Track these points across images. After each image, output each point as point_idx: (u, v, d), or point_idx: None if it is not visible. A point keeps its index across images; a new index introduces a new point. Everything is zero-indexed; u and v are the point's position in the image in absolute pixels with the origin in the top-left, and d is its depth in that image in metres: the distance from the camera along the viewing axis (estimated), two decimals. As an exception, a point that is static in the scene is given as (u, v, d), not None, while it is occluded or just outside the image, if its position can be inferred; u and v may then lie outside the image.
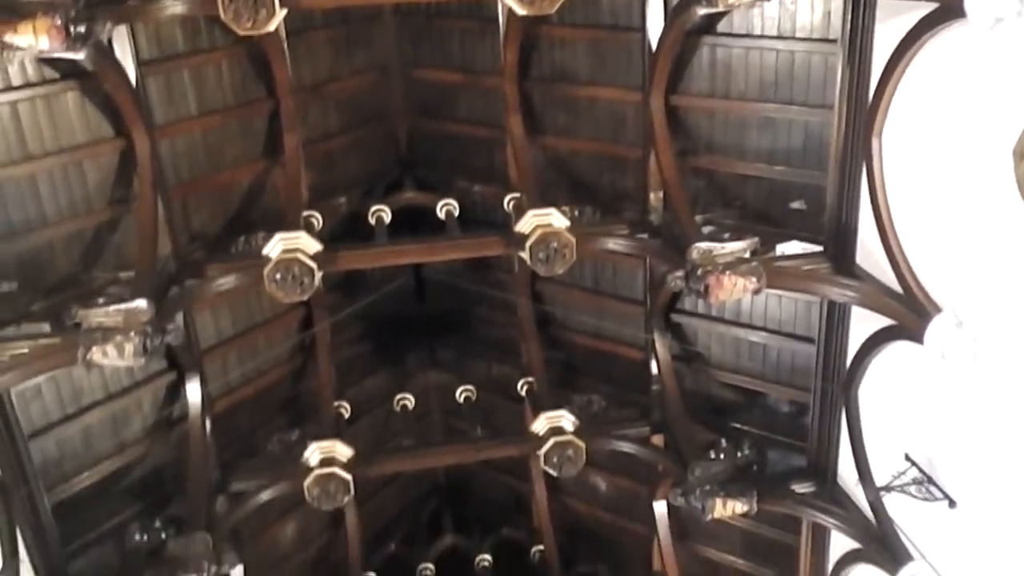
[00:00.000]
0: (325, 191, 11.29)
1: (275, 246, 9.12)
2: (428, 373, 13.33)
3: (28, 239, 8.83)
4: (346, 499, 10.71)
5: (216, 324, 10.99)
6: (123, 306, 8.04)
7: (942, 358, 7.53)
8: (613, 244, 10.06)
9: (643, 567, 12.60)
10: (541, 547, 13.06)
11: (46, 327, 8.46)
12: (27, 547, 9.06)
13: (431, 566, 13.56)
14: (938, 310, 7.59)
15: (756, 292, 8.68)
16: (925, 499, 8.20)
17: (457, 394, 12.78)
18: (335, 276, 11.46)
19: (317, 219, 10.39)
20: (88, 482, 9.97)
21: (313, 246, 9.26)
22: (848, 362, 9.44)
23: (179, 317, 9.46)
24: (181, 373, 10.40)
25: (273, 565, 12.50)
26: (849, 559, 10.25)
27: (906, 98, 7.54)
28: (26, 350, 8.16)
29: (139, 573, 9.61)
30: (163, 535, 9.85)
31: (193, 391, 10.39)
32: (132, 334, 7.97)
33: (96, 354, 7.98)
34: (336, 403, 11.63)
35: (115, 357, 8.01)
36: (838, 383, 9.65)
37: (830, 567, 10.74)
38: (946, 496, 8.03)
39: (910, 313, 7.85)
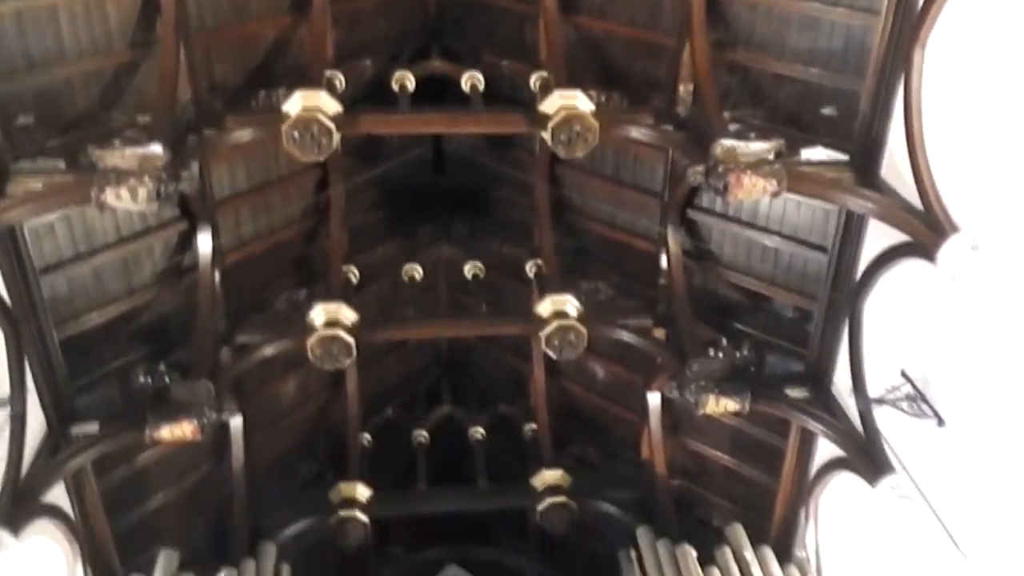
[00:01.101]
0: (350, 52, 11.06)
1: (295, 103, 8.99)
2: (439, 246, 13.34)
3: (47, 73, 8.69)
4: (348, 362, 10.90)
5: (231, 177, 10.96)
6: (139, 150, 8.00)
7: (952, 280, 7.50)
8: (636, 133, 9.89)
9: (631, 454, 12.89)
10: (534, 426, 13.34)
11: (61, 164, 8.45)
12: (35, 379, 9.30)
13: (426, 434, 13.90)
14: (955, 230, 7.53)
15: (775, 195, 8.60)
16: (915, 415, 8.31)
17: (465, 270, 12.83)
18: (354, 140, 11.39)
19: (340, 80, 10.19)
20: (96, 322, 10.15)
21: (333, 106, 9.12)
22: (858, 275, 9.43)
23: (194, 166, 9.38)
24: (193, 223, 10.43)
25: (273, 419, 12.84)
26: (832, 466, 10.46)
27: (955, 13, 7.28)
28: (40, 185, 8.18)
29: (142, 413, 9.89)
30: (167, 379, 10.08)
31: (204, 242, 10.44)
32: (146, 178, 7.96)
33: (109, 196, 7.98)
34: (345, 267, 11.71)
35: (128, 200, 8.01)
36: (846, 294, 9.66)
37: (813, 472, 10.99)
38: (936, 415, 8.13)
39: (927, 231, 7.78)
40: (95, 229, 9.75)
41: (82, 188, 8.08)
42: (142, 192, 7.98)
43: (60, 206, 8.70)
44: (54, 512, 9.75)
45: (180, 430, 9.82)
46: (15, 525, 8.64)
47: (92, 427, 9.98)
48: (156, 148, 8.02)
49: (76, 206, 8.87)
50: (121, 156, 7.98)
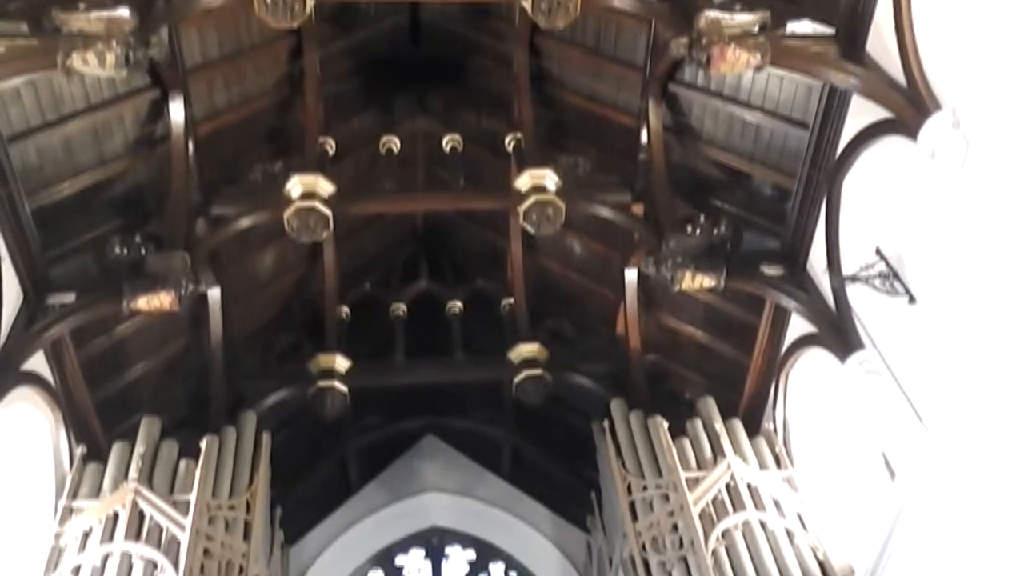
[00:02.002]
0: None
1: (265, -35, 8.66)
2: (416, 119, 13.12)
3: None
4: (325, 234, 10.85)
5: (202, 44, 10.62)
6: (105, 13, 7.75)
7: (932, 157, 7.49)
8: (619, 2, 9.60)
9: (607, 329, 13.07)
10: (511, 300, 13.44)
11: (24, 27, 8.14)
12: (8, 248, 9.23)
13: (403, 307, 13.98)
14: (938, 107, 7.48)
15: (759, 69, 8.49)
16: (887, 292, 8.43)
17: (443, 143, 12.64)
18: (329, 7, 11.05)
19: (313, -58, 9.80)
20: (68, 192, 10.01)
21: (305, -30, 8.80)
22: (838, 152, 9.41)
23: (163, 31, 9.13)
24: (165, 91, 10.17)
25: (250, 292, 12.86)
26: (804, 342, 10.68)
27: None
28: (2, 49, 7.92)
29: (118, 284, 9.87)
30: (142, 251, 10.01)
31: (176, 110, 10.22)
32: (114, 43, 7.74)
33: (76, 60, 7.77)
34: (321, 139, 11.51)
35: (96, 66, 7.81)
36: (825, 171, 9.66)
37: (784, 348, 11.22)
38: (908, 292, 8.26)
39: (909, 107, 7.73)
40: (63, 96, 9.48)
41: (48, 53, 7.85)
42: (110, 57, 7.77)
43: (26, 71, 8.44)
44: (35, 380, 9.85)
45: (157, 301, 9.84)
46: (-4, 392, 8.76)
47: (68, 297, 9.98)
48: (123, 11, 7.77)
49: (42, 71, 8.61)
50: (87, 20, 7.74)
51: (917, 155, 7.70)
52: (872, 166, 8.97)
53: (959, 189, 7.48)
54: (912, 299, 8.21)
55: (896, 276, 8.37)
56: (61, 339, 10.25)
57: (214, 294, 11.30)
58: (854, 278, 8.80)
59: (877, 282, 8.48)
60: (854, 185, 9.35)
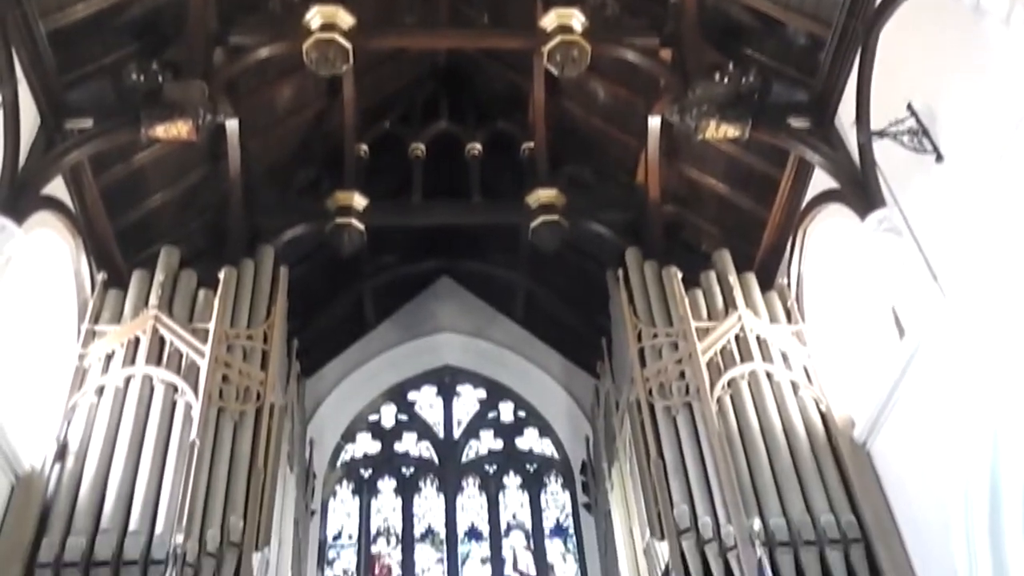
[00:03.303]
0: None
1: None
2: (440, -49, 12.64)
3: None
4: (344, 68, 10.65)
5: None
6: None
7: (975, 11, 7.20)
8: None
9: (626, 177, 12.95)
10: (531, 144, 13.25)
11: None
12: (24, 71, 9.12)
13: (422, 147, 13.82)
14: (986, -43, 7.13)
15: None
16: (915, 150, 8.27)
17: (468, -24, 12.23)
18: None
19: None
20: (83, 13, 9.73)
21: None
22: (877, 1, 9.04)
23: None
24: (183, -88, 9.82)
25: (268, 125, 12.73)
26: (824, 198, 10.57)
27: None
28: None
29: (135, 112, 9.79)
30: (160, 78, 9.88)
31: (194, -68, 9.88)
32: None
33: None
34: (342, -32, 11.13)
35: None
36: (863, 20, 9.30)
37: (804, 203, 11.12)
38: (936, 150, 8.10)
39: (956, -44, 7.37)
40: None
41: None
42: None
43: None
44: (55, 205, 9.93)
45: (175, 129, 9.79)
46: (17, 215, 8.84)
47: (86, 122, 9.93)
48: None
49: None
50: None
51: (960, 7, 7.38)
52: (911, 18, 8.61)
53: (1001, 45, 7.21)
54: (939, 157, 8.06)
55: (925, 133, 8.19)
56: (80, 165, 10.25)
57: (232, 125, 11.20)
58: (882, 133, 8.61)
59: (905, 138, 8.30)
60: (890, 37, 9.01)
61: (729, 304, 11.29)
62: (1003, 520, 7.90)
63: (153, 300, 10.62)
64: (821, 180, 10.55)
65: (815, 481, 9.84)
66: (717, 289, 11.55)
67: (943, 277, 8.12)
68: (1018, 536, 7.84)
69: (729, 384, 10.54)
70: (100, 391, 9.93)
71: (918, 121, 8.28)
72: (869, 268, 9.82)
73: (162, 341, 10.36)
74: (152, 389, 9.97)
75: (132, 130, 9.89)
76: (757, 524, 9.14)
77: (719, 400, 10.36)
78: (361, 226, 12.24)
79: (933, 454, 8.58)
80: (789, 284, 11.58)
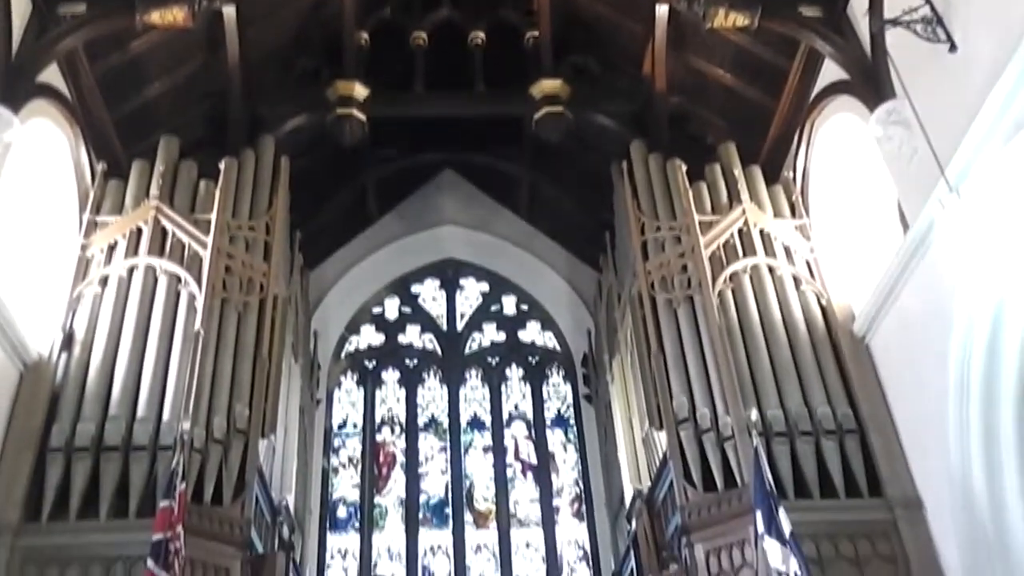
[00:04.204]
0: None
1: None
2: None
3: None
4: (343, -49, 10.36)
5: None
6: None
7: None
8: None
9: (632, 68, 12.68)
10: (535, 33, 12.92)
11: None
12: (12, -50, 8.87)
13: (424, 36, 13.48)
14: None
15: None
16: (928, 39, 8.04)
17: None
18: None
19: None
20: None
21: None
22: None
23: None
24: None
25: (266, 12, 12.35)
26: (834, 90, 10.40)
27: None
28: None
29: (129, -4, 9.57)
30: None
31: None
32: None
33: None
34: None
35: None
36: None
37: (813, 95, 10.93)
38: (950, 39, 7.90)
39: None
40: None
41: None
42: None
43: None
44: (51, 93, 9.80)
45: (171, 15, 9.61)
46: (13, 102, 8.75)
47: (79, 7, 9.72)
48: None
49: None
50: None
51: None
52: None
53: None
54: (953, 47, 7.85)
55: (940, 21, 7.96)
56: (75, 52, 10.07)
57: (229, 12, 10.91)
58: (895, 22, 8.36)
59: (919, 27, 8.07)
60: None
61: (733, 198, 11.22)
62: (998, 413, 8.02)
63: (154, 191, 10.57)
64: (831, 71, 10.34)
65: (813, 374, 9.96)
66: (722, 182, 11.47)
67: (951, 171, 8.02)
68: (1011, 429, 7.98)
69: (731, 278, 10.56)
70: (104, 281, 9.98)
71: (932, 9, 8.04)
72: (876, 162, 9.71)
73: (164, 232, 10.36)
74: (155, 280, 10.03)
75: (126, 15, 9.69)
76: (754, 415, 9.27)
77: (720, 293, 10.40)
78: (363, 117, 12.07)
79: (930, 348, 8.64)
80: (794, 178, 11.48)
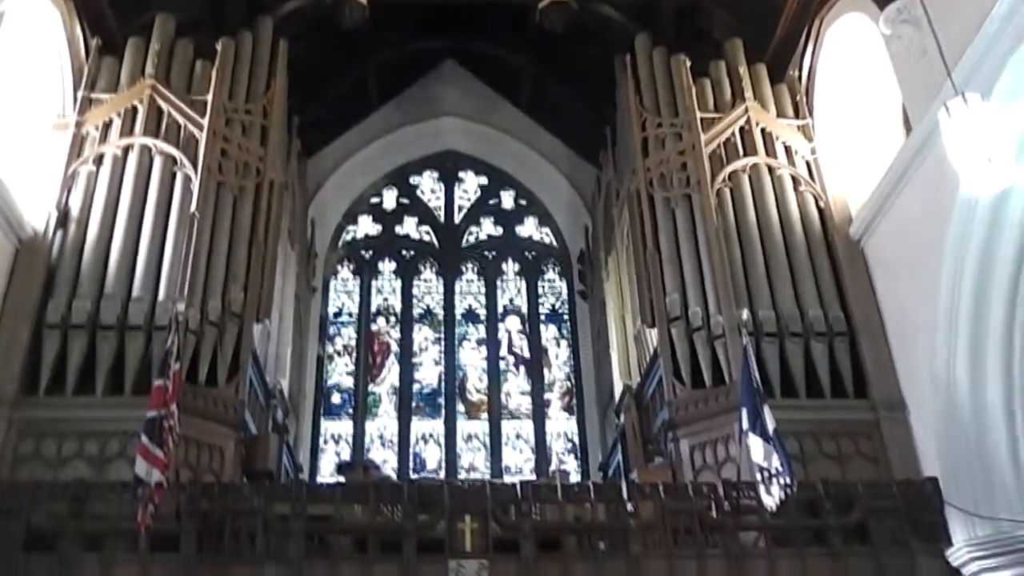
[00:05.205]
0: None
1: None
2: None
3: None
4: None
5: None
6: None
7: None
8: None
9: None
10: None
11: None
12: None
13: (429, -83, 13.09)
14: None
15: None
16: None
17: None
18: None
19: None
20: None
21: None
22: None
23: None
24: None
25: None
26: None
27: None
28: None
29: None
30: None
31: None
32: None
33: None
34: None
35: None
36: None
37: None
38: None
39: None
40: None
41: None
42: None
43: None
44: (42, -36, 9.52)
45: None
46: (2, -28, 8.49)
47: None
48: None
49: None
50: None
51: None
52: None
53: None
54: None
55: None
56: (67, -78, 9.76)
57: None
58: (911, -83, 8.10)
59: (935, -77, 7.81)
60: None
61: (737, 95, 11.05)
62: (988, 321, 8.05)
63: (149, 69, 10.39)
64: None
65: (807, 276, 9.98)
66: (726, 80, 11.28)
67: (958, 73, 7.85)
68: (998, 336, 8.01)
69: (730, 177, 10.49)
70: (99, 160, 9.90)
71: None
72: (883, 64, 9.51)
73: (160, 112, 10.22)
74: (151, 160, 9.95)
75: None
76: (746, 315, 9.36)
77: (719, 193, 10.34)
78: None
79: (924, 254, 8.61)
80: (800, 77, 11.27)
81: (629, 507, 8.02)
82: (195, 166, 9.86)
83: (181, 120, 10.16)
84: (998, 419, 7.97)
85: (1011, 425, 7.90)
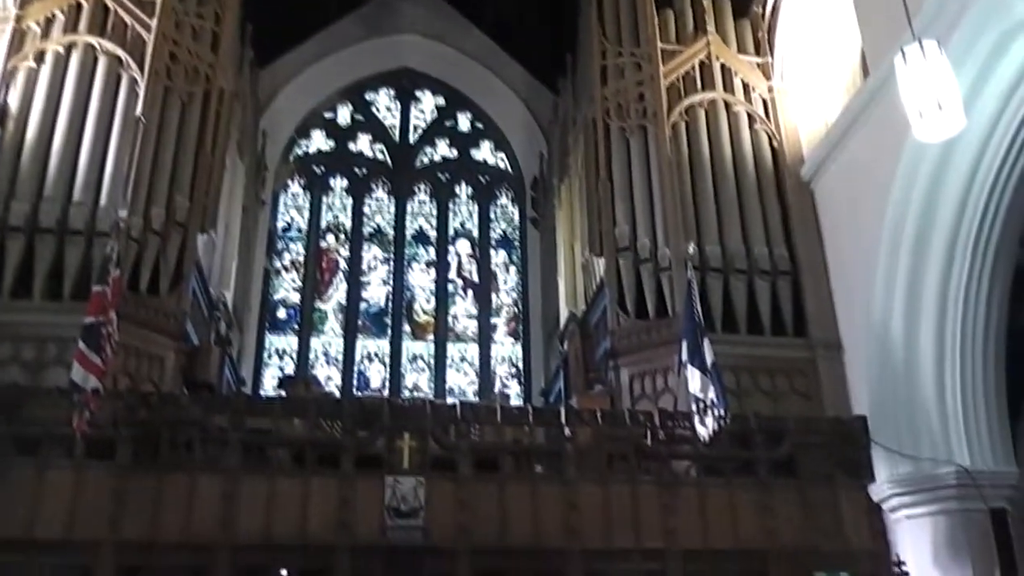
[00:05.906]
0: None
1: None
2: None
3: None
4: None
5: None
6: None
7: None
8: None
9: None
10: None
11: None
12: None
13: None
14: None
15: None
16: None
17: None
18: None
19: None
20: None
21: None
22: None
23: None
24: None
25: None
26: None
27: None
28: None
29: None
30: None
31: None
32: None
33: None
34: None
35: None
36: None
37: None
38: None
39: None
40: None
41: None
42: None
43: None
44: None
45: None
46: None
47: None
48: None
49: None
50: None
51: None
52: None
53: None
54: None
55: None
56: None
57: None
58: None
59: None
60: None
61: (700, 28, 10.97)
62: (926, 266, 8.21)
63: (94, -39, 9.98)
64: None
65: (756, 214, 10.08)
66: (689, 12, 11.18)
67: (919, 20, 7.84)
68: (935, 281, 8.18)
69: (687, 111, 10.47)
70: (40, 56, 9.55)
71: None
72: (846, 6, 9.48)
73: (106, 9, 9.86)
74: (95, 60, 9.62)
75: None
76: (692, 249, 9.43)
77: (674, 126, 10.33)
78: None
79: (871, 197, 8.72)
80: (763, 14, 11.20)
81: (567, 432, 8.16)
82: (142, 69, 9.56)
83: (128, 19, 9.81)
84: (928, 363, 8.20)
85: (940, 370, 8.13)
